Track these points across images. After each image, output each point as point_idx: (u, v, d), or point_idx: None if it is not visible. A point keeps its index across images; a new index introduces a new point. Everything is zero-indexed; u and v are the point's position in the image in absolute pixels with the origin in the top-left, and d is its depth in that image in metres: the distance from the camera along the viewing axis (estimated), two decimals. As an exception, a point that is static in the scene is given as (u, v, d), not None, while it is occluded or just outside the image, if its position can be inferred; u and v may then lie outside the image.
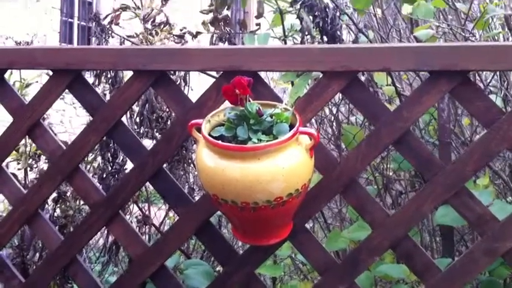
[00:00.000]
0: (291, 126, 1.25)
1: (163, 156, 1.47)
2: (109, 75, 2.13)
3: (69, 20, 9.23)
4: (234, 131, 1.24)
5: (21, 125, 1.54)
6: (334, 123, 2.18)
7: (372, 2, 2.14)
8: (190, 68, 1.51)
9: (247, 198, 1.20)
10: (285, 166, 1.19)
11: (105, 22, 2.50)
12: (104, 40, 2.13)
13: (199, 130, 1.28)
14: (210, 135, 1.25)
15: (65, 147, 1.54)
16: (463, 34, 1.92)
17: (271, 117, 1.26)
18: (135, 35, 2.55)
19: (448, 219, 1.62)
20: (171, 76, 1.57)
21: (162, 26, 2.52)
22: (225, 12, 1.99)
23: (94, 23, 2.21)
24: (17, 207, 1.57)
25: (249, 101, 1.26)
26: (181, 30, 2.66)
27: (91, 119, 1.53)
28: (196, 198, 2.51)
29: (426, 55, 1.31)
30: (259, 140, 1.21)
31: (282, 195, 1.20)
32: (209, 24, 1.98)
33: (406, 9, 2.02)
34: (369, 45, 1.40)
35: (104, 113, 1.50)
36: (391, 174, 2.34)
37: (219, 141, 1.21)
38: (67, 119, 7.73)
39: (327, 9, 1.81)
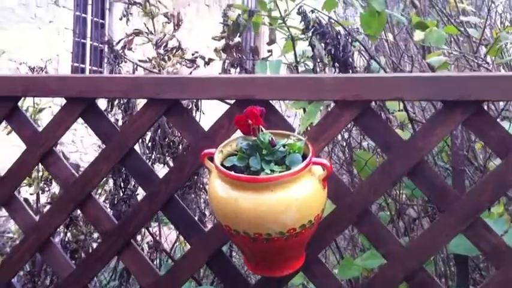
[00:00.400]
0: (304, 157, 1.24)
1: (175, 185, 1.47)
2: (121, 101, 2.14)
3: (82, 40, 9.32)
4: (246, 161, 1.24)
5: (35, 152, 1.55)
6: (346, 149, 2.17)
7: (383, 28, 2.14)
8: (203, 97, 1.51)
9: (260, 230, 1.19)
10: (298, 197, 1.19)
11: (118, 47, 2.52)
12: (117, 66, 2.14)
13: (211, 159, 1.28)
14: (222, 165, 1.25)
15: (77, 175, 1.54)
16: (476, 61, 1.92)
17: (284, 147, 1.25)
18: (147, 60, 2.57)
19: (462, 248, 1.59)
20: (183, 102, 1.57)
21: (174, 51, 2.54)
22: (237, 39, 2.00)
23: (107, 49, 2.22)
24: (29, 235, 1.57)
25: (262, 130, 1.26)
26: (193, 54, 2.67)
27: (103, 146, 1.54)
28: (208, 223, 2.52)
29: (440, 85, 1.30)
30: (272, 171, 1.20)
31: (295, 227, 1.19)
32: (221, 51, 1.99)
33: (418, 35, 2.02)
34: (381, 74, 1.39)
35: (117, 141, 1.50)
36: (404, 198, 2.32)
37: (232, 172, 1.21)
38: (78, 138, 7.79)
39: (339, 37, 1.81)
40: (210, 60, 2.07)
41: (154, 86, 1.46)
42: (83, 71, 9.32)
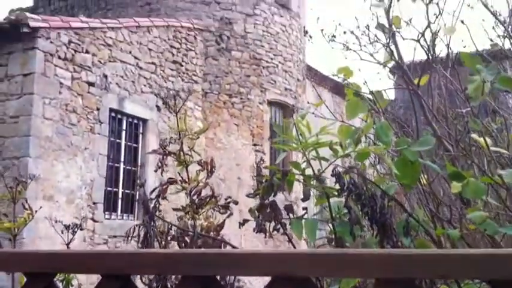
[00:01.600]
0: None
1: None
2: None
3: (116, 165, 9.58)
4: None
5: (68, 333, 1.51)
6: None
7: (418, 177, 2.12)
8: (240, 274, 1.48)
9: None
10: None
11: (153, 195, 2.54)
12: (151, 228, 2.15)
13: None
14: None
15: None
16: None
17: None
18: (181, 208, 2.59)
19: None
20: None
21: (208, 199, 2.56)
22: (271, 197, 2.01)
23: (142, 212, 2.25)
24: None
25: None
26: (226, 199, 2.68)
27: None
28: None
29: (487, 264, 1.25)
30: None
31: None
32: (256, 211, 1.99)
33: (456, 187, 1.98)
34: (426, 251, 1.35)
35: (152, 320, 1.46)
36: None
37: None
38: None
39: (375, 197, 1.79)
40: (245, 221, 2.07)
41: (189, 263, 1.44)
42: (115, 194, 9.49)
